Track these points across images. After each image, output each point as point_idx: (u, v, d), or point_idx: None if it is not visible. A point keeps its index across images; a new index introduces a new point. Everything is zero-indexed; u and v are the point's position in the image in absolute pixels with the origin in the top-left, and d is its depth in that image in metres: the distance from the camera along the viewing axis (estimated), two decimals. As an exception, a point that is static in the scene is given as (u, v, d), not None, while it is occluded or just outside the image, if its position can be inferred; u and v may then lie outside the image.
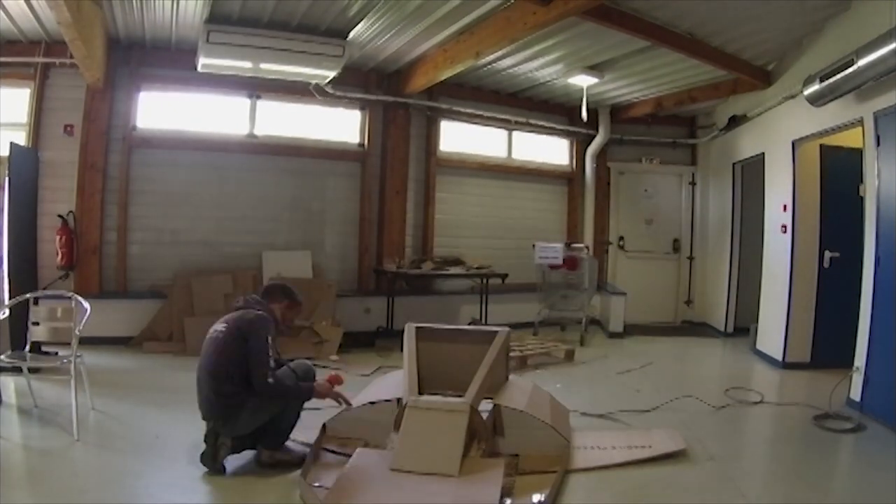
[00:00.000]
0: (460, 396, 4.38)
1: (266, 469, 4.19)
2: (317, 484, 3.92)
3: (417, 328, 5.09)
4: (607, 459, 4.51)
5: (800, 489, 4.30)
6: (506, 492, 3.83)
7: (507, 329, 5.08)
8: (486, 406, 4.60)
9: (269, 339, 4.23)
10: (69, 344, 4.89)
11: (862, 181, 6.36)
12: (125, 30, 7.62)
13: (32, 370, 5.56)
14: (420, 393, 4.48)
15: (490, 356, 4.72)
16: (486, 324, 8.65)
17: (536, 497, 3.83)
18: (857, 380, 6.06)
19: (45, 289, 7.15)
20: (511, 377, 5.16)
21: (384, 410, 4.57)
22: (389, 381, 5.13)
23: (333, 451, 4.47)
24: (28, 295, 5.37)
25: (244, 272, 8.37)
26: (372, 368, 7.22)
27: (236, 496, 3.88)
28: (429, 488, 3.78)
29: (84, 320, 4.93)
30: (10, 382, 5.64)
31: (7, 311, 5.46)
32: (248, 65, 7.46)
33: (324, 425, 4.70)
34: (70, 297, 5.21)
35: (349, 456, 4.22)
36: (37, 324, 5.27)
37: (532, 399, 4.80)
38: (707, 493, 4.12)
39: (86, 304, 5.02)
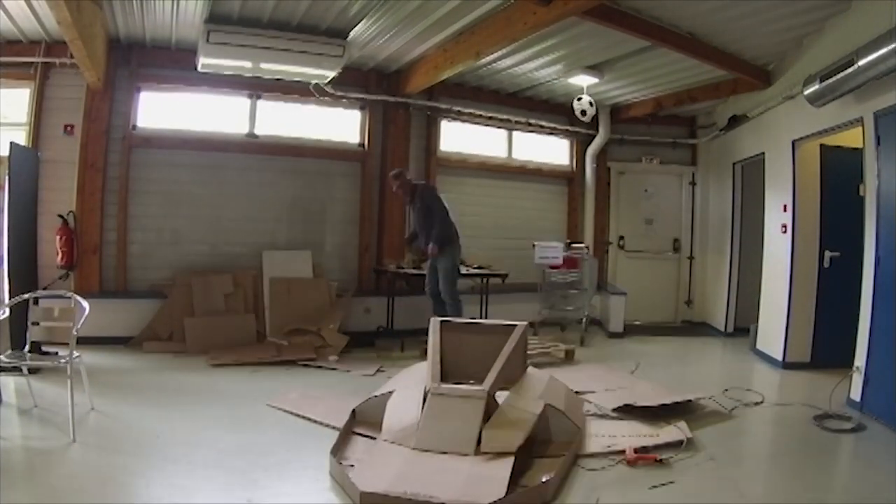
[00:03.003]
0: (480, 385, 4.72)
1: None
2: (345, 461, 4.30)
3: (442, 322, 5.49)
4: (616, 445, 4.77)
5: (800, 489, 4.29)
6: (519, 471, 4.10)
7: (525, 323, 5.39)
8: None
9: None
10: (69, 344, 4.89)
11: (862, 181, 6.36)
12: (125, 29, 7.62)
13: (32, 370, 5.57)
14: (444, 381, 4.81)
15: (508, 348, 5.05)
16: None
17: (545, 477, 4.08)
18: (857, 380, 6.07)
19: (45, 288, 7.15)
20: (529, 369, 5.44)
21: (410, 398, 4.85)
22: (415, 372, 5.44)
23: (361, 434, 4.84)
24: (28, 295, 5.37)
25: (244, 272, 8.37)
26: (373, 369, 7.23)
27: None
28: (447, 465, 4.12)
29: (83, 320, 4.92)
30: (9, 382, 5.62)
31: (7, 311, 5.46)
32: (248, 65, 7.46)
33: (353, 411, 5.06)
34: (70, 297, 5.21)
35: (375, 438, 4.63)
36: (36, 324, 5.27)
37: (548, 388, 5.12)
38: (707, 493, 4.12)
39: (84, 304, 5.02)
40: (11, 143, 6.41)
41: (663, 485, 4.15)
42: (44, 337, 5.42)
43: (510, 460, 4.10)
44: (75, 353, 4.88)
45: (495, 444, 4.27)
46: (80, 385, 5.01)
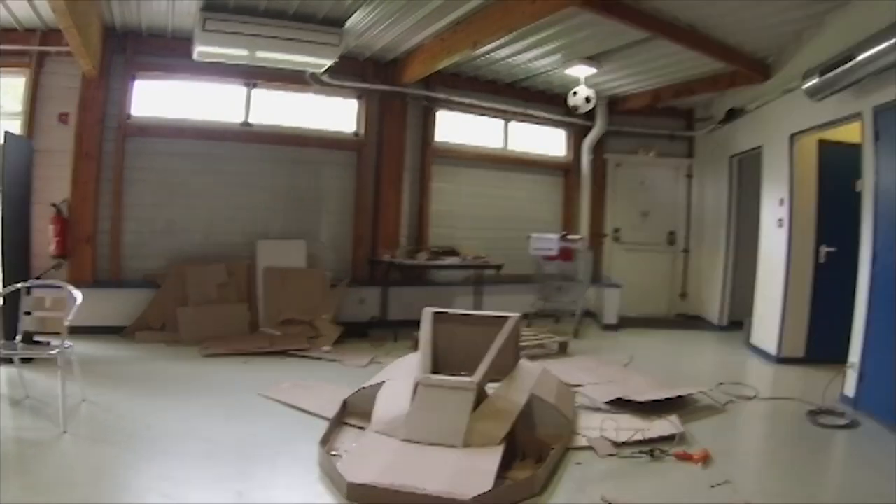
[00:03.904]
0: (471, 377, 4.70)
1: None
2: (334, 452, 4.33)
3: (434, 313, 5.46)
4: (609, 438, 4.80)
5: (793, 485, 4.30)
6: (507, 463, 4.13)
7: (517, 315, 5.37)
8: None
9: None
10: (60, 334, 4.87)
11: (859, 176, 6.35)
12: (121, 18, 7.56)
13: (24, 360, 5.54)
14: (435, 372, 4.84)
15: (500, 340, 5.03)
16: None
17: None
18: (852, 376, 6.06)
19: (38, 278, 7.10)
20: (522, 361, 5.41)
21: (400, 389, 4.83)
22: (407, 363, 5.43)
23: (352, 425, 4.89)
24: (19, 284, 5.35)
25: (238, 261, 8.36)
26: (366, 360, 7.22)
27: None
28: (435, 456, 4.11)
29: (74, 310, 4.90)
30: (1, 372, 5.61)
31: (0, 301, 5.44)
32: (244, 53, 7.40)
33: (344, 401, 5.08)
34: (61, 287, 5.19)
35: (365, 429, 4.63)
36: (28, 313, 5.24)
37: (539, 381, 5.07)
38: (700, 488, 4.11)
39: (77, 294, 4.99)
40: (6, 132, 6.37)
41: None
42: (36, 327, 5.39)
43: (498, 453, 4.08)
44: (67, 343, 4.87)
45: (479, 435, 4.26)
46: (71, 375, 5.00)
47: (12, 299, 5.42)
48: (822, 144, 7.69)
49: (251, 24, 7.12)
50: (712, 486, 4.12)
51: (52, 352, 4.88)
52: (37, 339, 5.73)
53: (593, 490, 3.99)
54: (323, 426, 4.73)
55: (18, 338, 5.19)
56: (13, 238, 6.45)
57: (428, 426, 4.35)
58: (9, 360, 5.35)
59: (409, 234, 9.73)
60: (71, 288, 5.10)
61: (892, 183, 5.78)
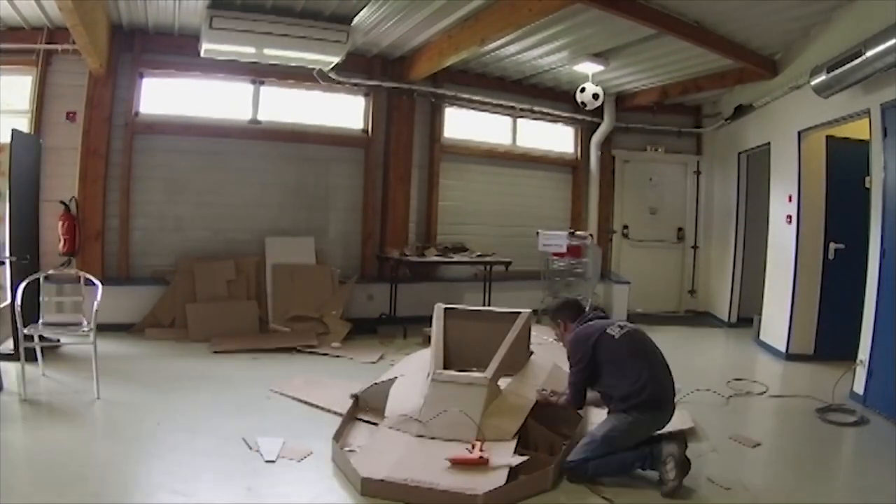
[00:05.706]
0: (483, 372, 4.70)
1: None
2: (348, 448, 4.34)
3: (446, 308, 5.46)
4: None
5: (802, 482, 4.30)
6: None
7: (529, 310, 5.37)
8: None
9: None
10: (75, 325, 4.93)
11: (868, 173, 6.33)
12: (128, 15, 7.57)
13: (33, 358, 5.59)
14: (447, 368, 4.82)
15: (511, 335, 5.03)
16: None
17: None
18: (861, 373, 6.05)
19: (47, 277, 7.14)
20: (533, 357, 5.38)
21: (413, 384, 4.88)
22: (419, 358, 5.45)
23: (364, 421, 4.92)
24: (31, 277, 5.46)
25: (247, 258, 8.37)
26: (376, 356, 7.23)
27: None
28: (448, 452, 4.06)
29: (98, 300, 5.09)
30: (11, 369, 5.61)
31: (14, 297, 5.47)
32: (251, 50, 7.42)
33: (357, 396, 5.14)
34: (80, 277, 5.30)
35: (378, 424, 4.67)
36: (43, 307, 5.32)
37: (550, 377, 5.05)
38: (710, 484, 4.11)
39: (97, 282, 5.11)
40: (13, 130, 6.37)
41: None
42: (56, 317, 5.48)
43: (511, 448, 4.10)
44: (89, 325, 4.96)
45: (492, 431, 4.27)
46: (88, 373, 5.04)
47: (30, 292, 5.47)
48: (831, 141, 7.66)
49: (258, 22, 7.11)
50: (720, 486, 4.12)
51: (85, 329, 4.99)
52: (47, 335, 5.76)
53: (604, 486, 4.00)
54: (333, 422, 4.76)
55: (40, 321, 5.25)
56: (22, 236, 6.46)
57: (441, 422, 4.37)
58: (18, 357, 5.37)
59: (418, 230, 9.73)
60: (90, 276, 5.20)
61: (902, 180, 5.77)
